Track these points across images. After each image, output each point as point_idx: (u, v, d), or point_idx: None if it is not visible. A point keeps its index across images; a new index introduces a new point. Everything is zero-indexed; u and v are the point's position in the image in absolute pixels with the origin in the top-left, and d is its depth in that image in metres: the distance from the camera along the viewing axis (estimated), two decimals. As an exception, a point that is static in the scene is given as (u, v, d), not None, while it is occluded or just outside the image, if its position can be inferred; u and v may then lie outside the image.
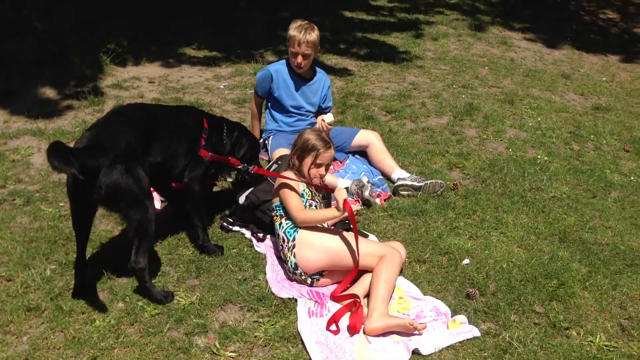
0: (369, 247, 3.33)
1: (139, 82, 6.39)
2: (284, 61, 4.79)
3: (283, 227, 3.43)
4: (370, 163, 4.81)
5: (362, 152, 4.94)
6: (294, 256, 3.34)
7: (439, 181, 4.49)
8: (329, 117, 4.74)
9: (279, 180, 3.50)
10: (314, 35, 4.53)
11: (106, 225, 3.92)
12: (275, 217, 3.53)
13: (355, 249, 3.26)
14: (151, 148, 3.29)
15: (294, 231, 3.37)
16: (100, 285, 3.32)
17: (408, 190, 4.45)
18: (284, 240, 3.41)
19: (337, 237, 3.34)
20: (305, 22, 4.59)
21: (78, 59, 6.38)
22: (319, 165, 3.51)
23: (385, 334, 3.04)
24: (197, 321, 3.08)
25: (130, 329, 3.02)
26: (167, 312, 3.13)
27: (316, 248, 3.31)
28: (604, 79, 8.14)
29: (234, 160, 3.86)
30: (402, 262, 3.37)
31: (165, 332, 3.00)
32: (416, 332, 3.03)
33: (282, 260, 3.57)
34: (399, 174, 4.58)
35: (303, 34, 4.49)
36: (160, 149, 3.36)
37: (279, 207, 3.49)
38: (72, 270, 3.39)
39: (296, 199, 3.40)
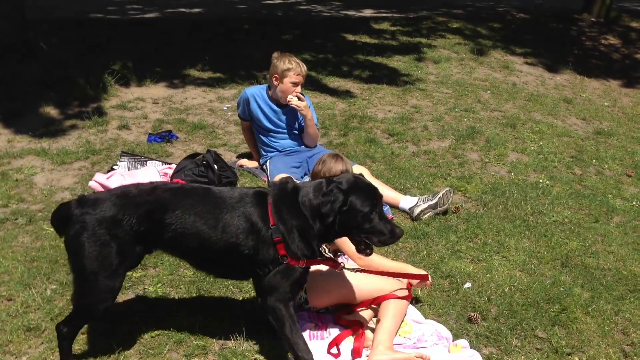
0: (384, 284, 3.27)
1: (143, 102, 6.44)
2: (263, 87, 4.96)
3: None
4: None
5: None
6: (305, 291, 3.30)
7: (447, 188, 4.55)
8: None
9: None
10: (305, 65, 4.84)
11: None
12: None
13: (368, 288, 3.23)
14: None
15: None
16: (101, 306, 3.31)
17: (428, 211, 4.45)
18: None
19: (349, 276, 3.23)
20: (287, 53, 4.84)
21: (82, 80, 6.44)
22: None
23: None
24: (197, 343, 3.06)
25: (130, 351, 3.00)
26: (167, 333, 3.12)
27: (328, 291, 3.26)
28: (605, 103, 8.18)
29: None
30: (409, 295, 3.30)
31: (165, 353, 2.98)
32: None
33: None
34: (407, 202, 4.56)
35: (300, 66, 4.75)
36: None
37: None
38: (70, 290, 3.38)
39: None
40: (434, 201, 4.46)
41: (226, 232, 2.78)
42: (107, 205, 2.71)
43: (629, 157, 6.12)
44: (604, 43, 11.39)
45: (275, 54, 4.80)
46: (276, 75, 4.73)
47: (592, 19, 12.25)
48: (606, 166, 5.82)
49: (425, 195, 4.58)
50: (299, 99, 4.76)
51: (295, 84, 4.72)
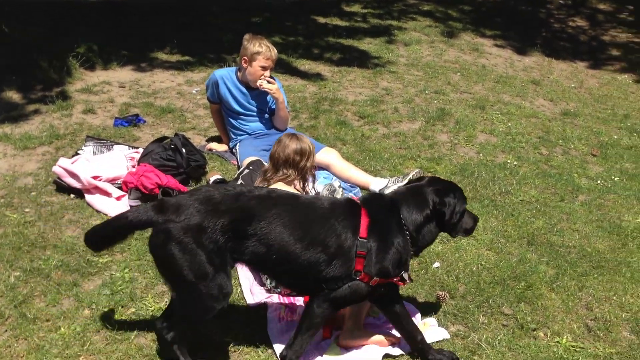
0: None
1: (109, 86, 6.32)
2: (233, 69, 4.91)
3: None
4: (341, 179, 4.73)
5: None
6: None
7: (417, 169, 4.59)
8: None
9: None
10: (275, 49, 4.78)
11: (73, 232, 3.86)
12: None
13: None
14: None
15: None
16: (66, 292, 3.27)
17: None
18: None
19: None
20: (258, 36, 4.78)
21: (46, 64, 6.29)
22: (312, 163, 3.68)
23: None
24: (166, 327, 3.04)
25: (96, 336, 2.97)
26: (135, 318, 3.09)
27: None
28: (572, 85, 8.28)
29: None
30: None
31: (133, 339, 2.96)
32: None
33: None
34: (378, 184, 4.57)
35: (270, 50, 4.69)
36: None
37: None
38: (36, 277, 3.34)
39: None
40: (404, 182, 4.47)
41: (313, 245, 2.64)
42: (191, 212, 2.57)
43: (594, 137, 6.22)
44: (571, 25, 11.51)
45: (246, 36, 4.73)
46: (245, 57, 4.67)
47: (560, 1, 12.37)
48: (572, 146, 5.90)
49: (395, 177, 4.59)
50: (269, 82, 4.70)
51: (264, 68, 4.66)
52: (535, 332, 3.17)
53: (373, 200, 2.92)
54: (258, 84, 4.65)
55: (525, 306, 3.37)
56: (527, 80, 8.06)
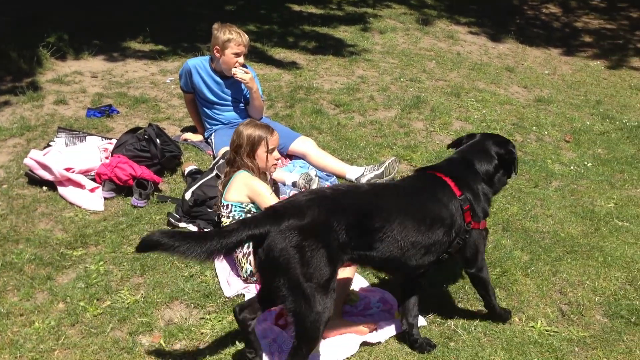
0: None
1: (81, 76, 6.21)
2: (206, 58, 4.86)
3: None
4: (317, 168, 4.70)
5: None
6: (250, 263, 3.28)
7: (392, 158, 4.61)
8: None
9: (246, 180, 3.40)
10: (246, 35, 4.71)
11: (46, 225, 3.80)
12: (225, 218, 3.41)
13: None
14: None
15: None
16: (40, 286, 3.22)
17: (375, 180, 4.47)
18: None
19: None
20: (228, 23, 4.71)
21: (15, 54, 6.16)
22: (272, 151, 3.52)
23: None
24: (142, 320, 3.02)
25: (71, 330, 2.94)
26: (110, 311, 3.07)
27: None
28: (546, 71, 8.36)
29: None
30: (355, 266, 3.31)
31: (108, 332, 2.93)
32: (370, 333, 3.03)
33: (229, 256, 3.53)
34: (354, 173, 4.57)
35: (241, 36, 4.62)
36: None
37: (236, 206, 3.36)
38: (9, 271, 3.29)
39: (273, 198, 3.33)
40: (380, 170, 4.49)
41: (435, 223, 2.77)
42: (317, 212, 2.50)
43: (567, 123, 6.29)
44: (545, 12, 11.61)
45: (215, 25, 4.67)
46: (217, 46, 4.61)
47: (534, -11, 12.44)
48: (546, 132, 5.97)
49: (371, 165, 4.60)
50: (243, 72, 4.66)
51: (237, 55, 4.61)
52: (510, 318, 3.21)
53: (446, 165, 3.08)
54: (232, 72, 4.60)
55: (501, 292, 3.41)
56: (502, 67, 8.11)
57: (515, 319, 3.21)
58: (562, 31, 10.70)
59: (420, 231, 2.73)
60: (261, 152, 3.46)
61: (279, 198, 3.65)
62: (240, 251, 3.29)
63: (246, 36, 4.68)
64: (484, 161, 3.07)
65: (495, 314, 3.11)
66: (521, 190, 4.68)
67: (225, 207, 3.41)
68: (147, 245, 2.40)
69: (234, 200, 3.38)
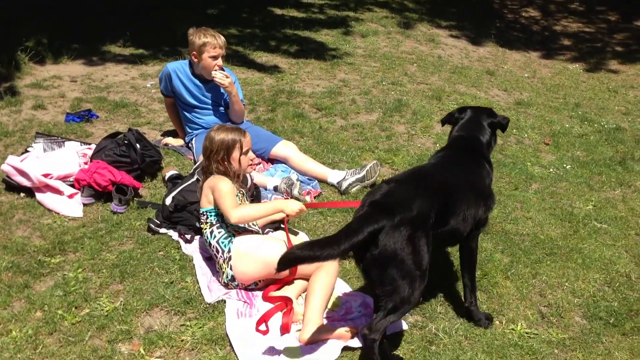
0: None
1: (60, 81, 6.15)
2: (186, 61, 4.81)
3: (215, 236, 3.30)
4: (299, 172, 4.68)
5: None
6: (231, 268, 3.26)
7: (374, 161, 4.60)
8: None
9: (210, 183, 3.36)
10: (222, 36, 4.67)
11: (23, 232, 3.75)
12: (204, 225, 3.37)
13: None
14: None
15: (229, 242, 3.27)
16: (17, 294, 3.18)
17: (355, 185, 4.47)
18: (217, 251, 3.29)
19: (274, 247, 3.25)
20: (203, 27, 4.68)
21: (-7, 58, 6.09)
22: (247, 152, 3.46)
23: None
24: (121, 327, 2.99)
25: (49, 339, 2.90)
26: (89, 319, 3.03)
27: (254, 260, 3.23)
28: (525, 75, 8.44)
29: None
30: (337, 270, 3.27)
31: (87, 340, 2.90)
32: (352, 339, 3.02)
33: (209, 261, 3.52)
34: (335, 176, 4.56)
35: (217, 38, 4.59)
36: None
37: (210, 212, 3.34)
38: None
39: (231, 196, 3.27)
40: (362, 174, 4.49)
41: (482, 195, 3.11)
42: (419, 202, 2.72)
43: (547, 126, 6.35)
44: (524, 15, 11.73)
45: (190, 31, 4.64)
46: (194, 52, 4.60)
47: (514, -8, 12.57)
48: (525, 135, 6.02)
49: (352, 169, 4.60)
50: (223, 76, 4.63)
51: (214, 57, 4.59)
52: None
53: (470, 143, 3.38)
54: (212, 75, 4.59)
55: (481, 294, 3.42)
56: (482, 70, 8.18)
57: (496, 322, 3.23)
58: (541, 34, 10.82)
59: (476, 204, 3.03)
60: (236, 155, 3.42)
61: (260, 201, 3.63)
62: (221, 256, 3.27)
63: (222, 38, 4.64)
64: (486, 135, 3.44)
65: (475, 288, 3.21)
66: (501, 193, 4.71)
67: (202, 215, 3.39)
68: (289, 262, 2.66)
69: (207, 206, 3.36)
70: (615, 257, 3.91)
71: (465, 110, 3.59)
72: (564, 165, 5.39)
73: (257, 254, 3.23)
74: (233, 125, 3.56)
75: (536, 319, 3.28)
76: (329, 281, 3.17)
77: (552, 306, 3.39)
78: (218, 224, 3.32)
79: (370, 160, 4.84)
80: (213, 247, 3.31)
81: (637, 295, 3.53)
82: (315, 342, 2.96)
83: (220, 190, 3.27)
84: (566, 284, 3.59)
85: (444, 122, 3.73)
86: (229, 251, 3.25)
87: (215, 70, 4.59)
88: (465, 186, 3.04)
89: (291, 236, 3.80)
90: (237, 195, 3.35)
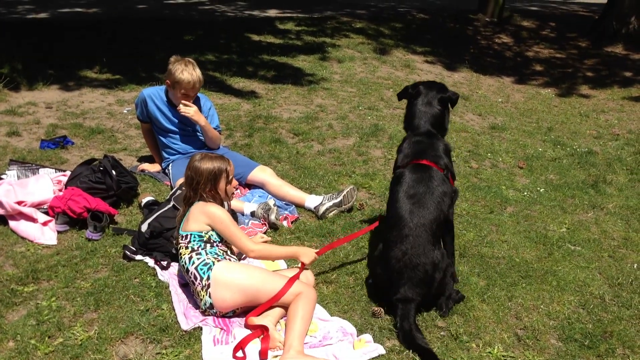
0: (283, 278, 3.29)
1: (35, 107, 6.11)
2: (162, 87, 4.80)
3: (194, 262, 3.26)
4: (276, 198, 4.70)
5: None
6: (209, 296, 3.23)
7: (351, 186, 4.62)
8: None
9: (203, 209, 3.34)
10: (199, 72, 4.62)
11: (-4, 260, 3.68)
12: (183, 249, 3.33)
13: (272, 287, 3.22)
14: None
15: (208, 269, 3.22)
16: (-12, 325, 3.11)
17: (332, 209, 4.48)
18: (195, 278, 3.25)
19: (253, 275, 3.25)
20: (185, 59, 4.62)
21: (-34, 85, 6.04)
22: (231, 181, 3.48)
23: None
24: (96, 357, 2.94)
25: (21, 370, 2.84)
26: (63, 349, 2.97)
27: (232, 289, 3.20)
28: (499, 99, 8.60)
29: None
30: (315, 298, 3.28)
31: (60, 370, 2.84)
32: None
33: (186, 288, 3.49)
34: (312, 201, 4.57)
35: (193, 76, 4.55)
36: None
37: (195, 236, 3.30)
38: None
39: (235, 225, 3.32)
40: (339, 199, 4.51)
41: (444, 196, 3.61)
42: None
43: (520, 150, 6.46)
44: (497, 42, 11.99)
45: (172, 59, 4.61)
46: (168, 81, 4.61)
47: (487, 19, 12.86)
48: (500, 159, 6.11)
49: (329, 194, 4.62)
50: (187, 105, 4.60)
51: (185, 97, 4.60)
52: (467, 344, 3.23)
53: (424, 151, 3.72)
54: (178, 108, 4.60)
55: (458, 318, 3.44)
56: (457, 95, 8.30)
57: (473, 345, 3.24)
58: (514, 60, 11.06)
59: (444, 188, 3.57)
60: (222, 185, 3.43)
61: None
62: (200, 283, 3.24)
63: (198, 76, 4.57)
64: (438, 118, 3.87)
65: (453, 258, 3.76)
66: (477, 216, 4.76)
67: (183, 238, 3.36)
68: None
69: (193, 230, 3.34)
70: (589, 279, 3.96)
71: (418, 87, 3.98)
72: (538, 188, 5.48)
73: (237, 282, 3.21)
74: (215, 154, 3.55)
75: (512, 342, 3.30)
76: (308, 308, 3.17)
77: (528, 329, 3.42)
78: (199, 249, 3.29)
79: (347, 185, 4.87)
80: (191, 273, 3.28)
81: (611, 317, 3.57)
82: None
83: (222, 220, 3.31)
84: (541, 306, 3.62)
85: (400, 97, 4.16)
86: (208, 278, 3.22)
87: (180, 104, 4.59)
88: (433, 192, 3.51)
89: (271, 262, 3.82)
90: None
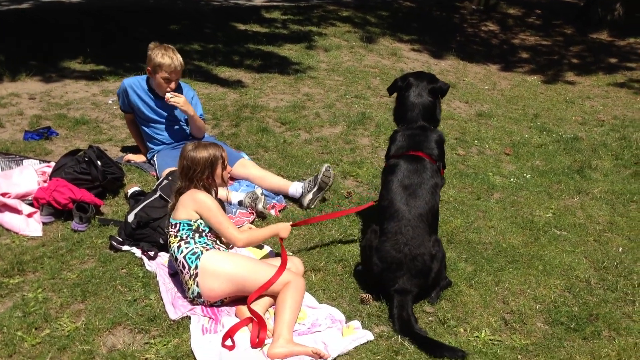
0: (272, 267, 3.29)
1: (18, 98, 6.04)
2: (143, 77, 4.75)
3: (182, 251, 3.24)
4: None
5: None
6: (197, 285, 3.22)
7: (325, 166, 4.46)
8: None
9: (192, 195, 3.31)
10: (180, 58, 4.58)
11: (-20, 252, 3.65)
12: (172, 237, 3.31)
13: (260, 276, 3.21)
14: None
15: (196, 258, 3.21)
16: (-27, 317, 3.08)
17: (316, 199, 4.46)
18: (184, 267, 3.23)
19: (241, 264, 3.24)
20: (164, 44, 4.59)
21: (-53, 76, 5.95)
22: (226, 166, 3.46)
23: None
24: (83, 347, 2.92)
25: (8, 362, 2.82)
26: (50, 340, 2.95)
27: (221, 278, 3.19)
28: (486, 87, 8.62)
29: None
30: (304, 286, 3.29)
31: (47, 362, 2.82)
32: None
33: (174, 278, 3.47)
34: (294, 190, 4.54)
35: (174, 60, 4.50)
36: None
37: (184, 225, 3.28)
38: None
39: (223, 214, 3.29)
40: (317, 187, 4.45)
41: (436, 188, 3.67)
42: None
43: (507, 137, 6.49)
44: (484, 29, 12.00)
45: (151, 45, 4.57)
46: (149, 68, 4.56)
47: (473, 7, 12.87)
48: (487, 146, 6.13)
49: (307, 181, 4.52)
50: (175, 95, 4.55)
51: (167, 80, 4.55)
52: (455, 329, 3.26)
53: (419, 143, 3.74)
54: (165, 98, 4.54)
55: (446, 303, 3.46)
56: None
57: (461, 330, 3.26)
58: (500, 48, 11.08)
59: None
60: (219, 171, 3.40)
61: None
62: (187, 272, 3.23)
63: (179, 61, 4.53)
64: (430, 109, 3.88)
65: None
66: (464, 203, 4.78)
67: (173, 226, 3.34)
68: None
69: (182, 218, 3.30)
70: (575, 263, 3.99)
71: (408, 78, 3.98)
72: (524, 174, 5.51)
73: (225, 272, 3.20)
74: (207, 141, 3.52)
75: (500, 326, 3.33)
76: (297, 297, 3.17)
77: (515, 313, 3.44)
78: (188, 239, 3.27)
79: (321, 165, 4.65)
80: (179, 262, 3.26)
81: (596, 300, 3.61)
82: (283, 357, 2.94)
83: (210, 208, 3.27)
84: (528, 290, 3.65)
85: (391, 91, 4.18)
86: (196, 267, 3.21)
87: (167, 92, 4.54)
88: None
89: (259, 250, 3.81)
90: None
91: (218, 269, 3.20)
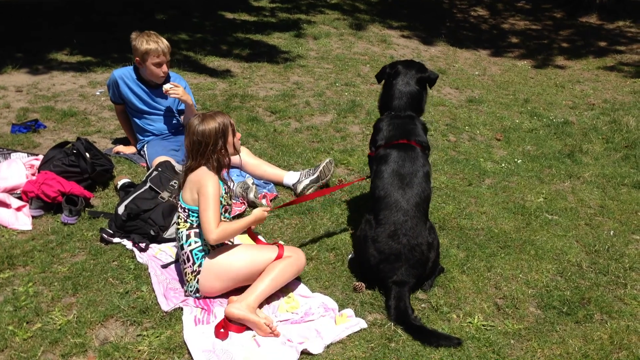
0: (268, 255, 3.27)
1: (5, 91, 5.97)
2: (131, 68, 4.71)
3: (191, 244, 3.18)
4: (254, 177, 4.65)
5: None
6: (197, 282, 3.20)
7: (327, 160, 4.57)
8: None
9: (197, 177, 3.17)
10: (165, 40, 4.56)
11: (-31, 247, 3.61)
12: (182, 222, 3.21)
13: (262, 266, 3.20)
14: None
15: (202, 256, 3.17)
16: (-37, 313, 3.06)
17: (311, 186, 4.46)
18: (188, 259, 3.19)
19: (243, 258, 3.20)
20: (145, 31, 4.57)
21: None
22: (235, 132, 3.31)
23: (275, 337, 3.02)
24: (75, 341, 2.90)
25: (0, 356, 2.79)
26: (41, 334, 2.93)
27: (222, 278, 3.18)
28: (476, 73, 8.60)
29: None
30: (300, 268, 3.29)
31: (39, 356, 2.80)
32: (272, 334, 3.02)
33: (166, 269, 3.46)
34: (290, 178, 4.55)
35: (159, 44, 4.48)
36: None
37: (194, 213, 3.18)
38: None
39: (215, 205, 3.09)
40: (316, 175, 4.49)
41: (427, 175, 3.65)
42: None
43: (498, 122, 6.49)
44: (473, 15, 11.97)
45: (132, 35, 4.52)
46: (137, 58, 4.52)
47: (462, -8, 12.81)
48: (478, 132, 6.13)
49: (306, 170, 4.58)
50: (174, 86, 4.54)
51: (158, 65, 4.52)
52: (448, 315, 3.26)
53: (407, 131, 3.70)
54: (164, 91, 4.50)
55: (439, 290, 3.46)
56: (434, 69, 8.29)
57: (454, 316, 3.26)
58: (490, 33, 11.06)
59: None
60: (231, 138, 3.27)
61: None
62: (190, 267, 3.20)
63: (165, 42, 4.52)
64: (417, 98, 3.84)
65: None
66: (456, 189, 4.78)
67: (183, 210, 3.23)
68: None
69: (189, 202, 3.20)
70: (567, 248, 4.01)
71: (397, 66, 3.91)
72: (515, 159, 5.51)
73: (228, 273, 3.19)
74: (210, 111, 3.35)
75: (492, 311, 3.33)
76: (286, 270, 3.20)
77: (507, 298, 3.45)
78: (198, 230, 3.19)
79: (324, 159, 4.82)
80: (185, 253, 3.20)
81: (588, 284, 3.62)
82: (236, 318, 3.01)
83: (206, 193, 3.09)
84: (520, 275, 3.66)
85: (379, 78, 4.09)
86: (200, 265, 3.18)
87: (165, 84, 4.51)
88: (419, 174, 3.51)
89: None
90: (222, 197, 3.20)
91: (221, 272, 3.19)
